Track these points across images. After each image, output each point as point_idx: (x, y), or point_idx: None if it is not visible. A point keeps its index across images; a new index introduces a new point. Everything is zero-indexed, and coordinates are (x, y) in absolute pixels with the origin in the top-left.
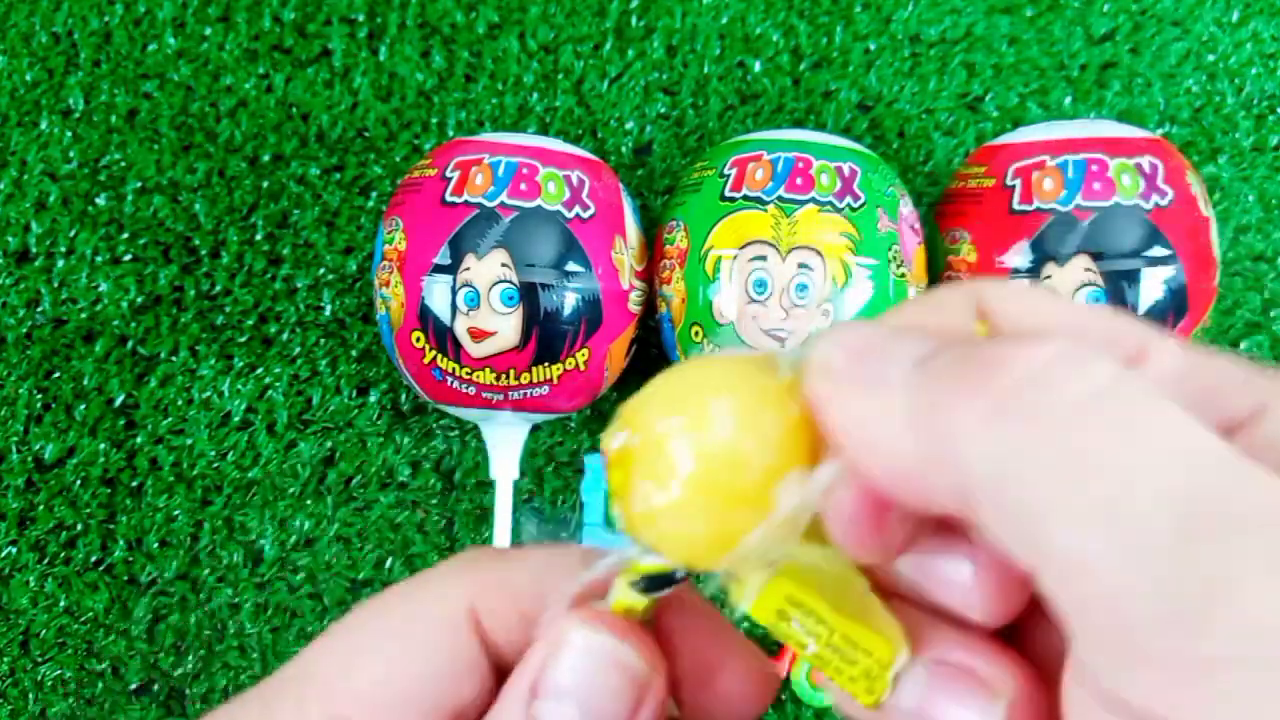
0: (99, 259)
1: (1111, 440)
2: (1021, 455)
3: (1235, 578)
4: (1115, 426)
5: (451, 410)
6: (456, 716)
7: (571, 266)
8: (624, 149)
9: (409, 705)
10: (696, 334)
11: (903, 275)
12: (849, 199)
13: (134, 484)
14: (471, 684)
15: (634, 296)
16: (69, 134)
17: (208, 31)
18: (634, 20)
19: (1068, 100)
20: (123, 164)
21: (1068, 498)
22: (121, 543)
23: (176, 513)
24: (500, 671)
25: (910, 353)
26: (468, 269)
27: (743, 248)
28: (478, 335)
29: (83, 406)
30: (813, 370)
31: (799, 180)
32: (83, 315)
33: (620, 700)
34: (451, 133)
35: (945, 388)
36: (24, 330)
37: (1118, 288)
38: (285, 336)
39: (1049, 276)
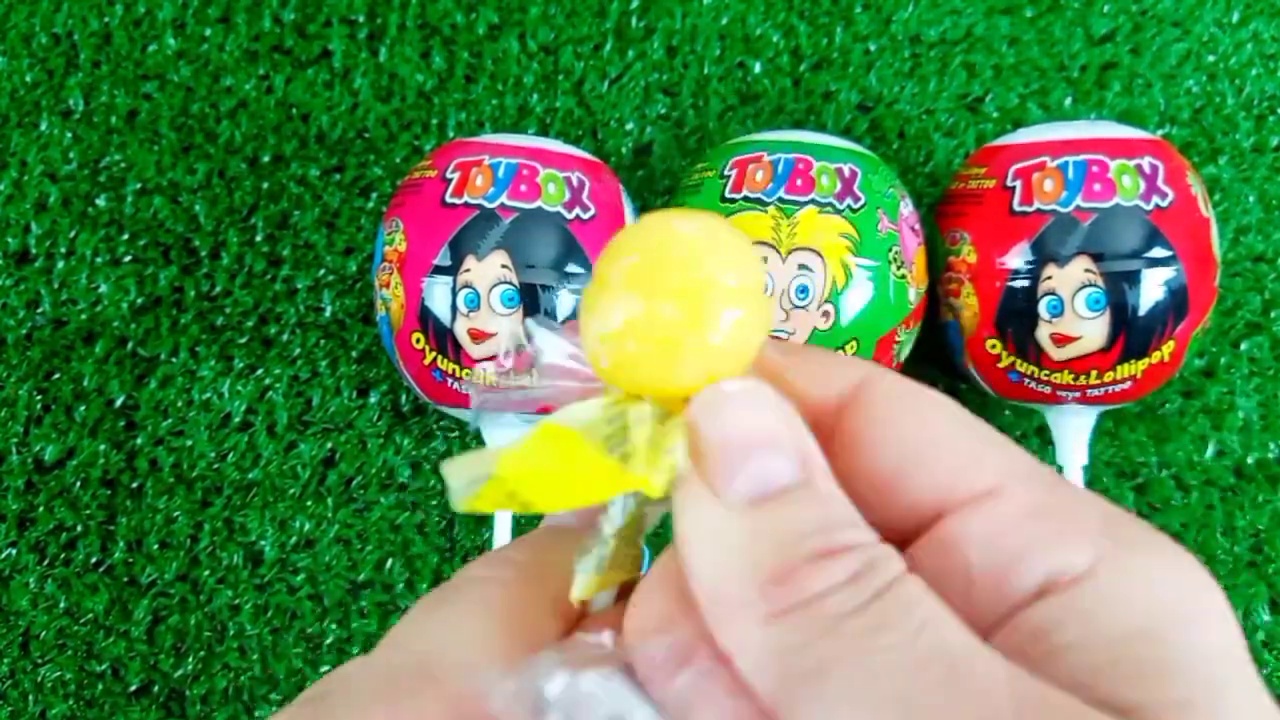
0: (99, 260)
1: (867, 646)
2: (783, 663)
3: None
4: (874, 633)
5: (452, 411)
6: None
7: (572, 268)
8: (624, 150)
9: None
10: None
11: (903, 276)
12: (849, 200)
13: (134, 485)
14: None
15: None
16: (69, 135)
17: (208, 32)
18: (634, 21)
19: (1068, 101)
20: (123, 165)
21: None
22: (121, 544)
23: (176, 514)
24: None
25: (751, 476)
26: (468, 270)
27: None
28: (478, 336)
29: (83, 408)
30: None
31: (799, 181)
32: (83, 316)
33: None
34: (451, 134)
35: (740, 565)
36: (24, 331)
37: (1118, 289)
38: (285, 338)
39: (1049, 277)
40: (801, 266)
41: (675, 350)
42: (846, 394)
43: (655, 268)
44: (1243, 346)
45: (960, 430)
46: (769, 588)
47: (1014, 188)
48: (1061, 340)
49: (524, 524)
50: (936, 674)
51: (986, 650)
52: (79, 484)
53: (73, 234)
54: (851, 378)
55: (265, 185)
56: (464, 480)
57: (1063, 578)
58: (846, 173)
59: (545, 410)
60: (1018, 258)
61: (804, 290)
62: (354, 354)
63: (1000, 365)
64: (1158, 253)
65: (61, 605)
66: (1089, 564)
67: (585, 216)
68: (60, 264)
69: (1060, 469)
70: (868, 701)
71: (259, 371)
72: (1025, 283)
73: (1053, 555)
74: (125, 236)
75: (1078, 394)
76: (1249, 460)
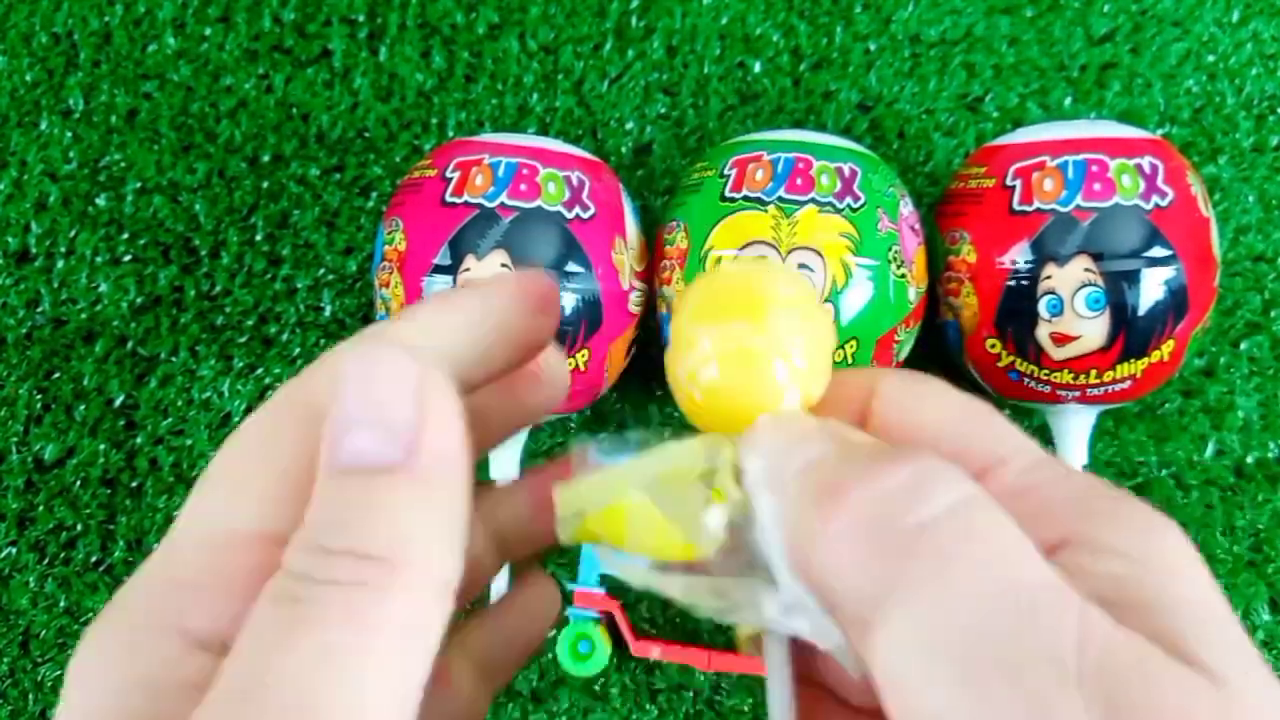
0: (99, 259)
1: (945, 570)
2: (865, 573)
3: (1048, 708)
4: (951, 555)
5: None
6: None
7: (571, 267)
8: (624, 149)
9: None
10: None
11: (903, 276)
12: (849, 199)
13: (134, 484)
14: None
15: (634, 297)
16: (69, 134)
17: (208, 32)
18: (634, 21)
19: (1068, 100)
20: (123, 164)
21: (899, 620)
22: (121, 543)
23: (176, 513)
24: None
25: (803, 456)
26: (468, 269)
27: (743, 248)
28: None
29: (82, 407)
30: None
31: (799, 181)
32: (82, 316)
33: (401, 399)
34: (451, 133)
35: (811, 502)
36: (24, 331)
37: (1118, 288)
38: (285, 337)
39: (1049, 276)
40: (801, 265)
41: (752, 361)
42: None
43: (717, 298)
44: (1242, 346)
45: (953, 416)
46: (826, 499)
47: (1014, 187)
48: (1061, 340)
49: None
50: (1009, 605)
51: (1057, 584)
52: (79, 483)
53: (73, 233)
54: (864, 385)
55: (265, 185)
56: (570, 512)
57: None
58: (846, 172)
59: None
60: (1017, 257)
61: None
62: None
63: (1000, 365)
64: (1157, 252)
65: (61, 604)
66: (1056, 541)
67: (585, 216)
68: (60, 263)
69: None
70: (940, 626)
71: (259, 371)
72: (1025, 282)
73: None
74: (125, 236)
75: (1077, 393)
76: (1249, 460)
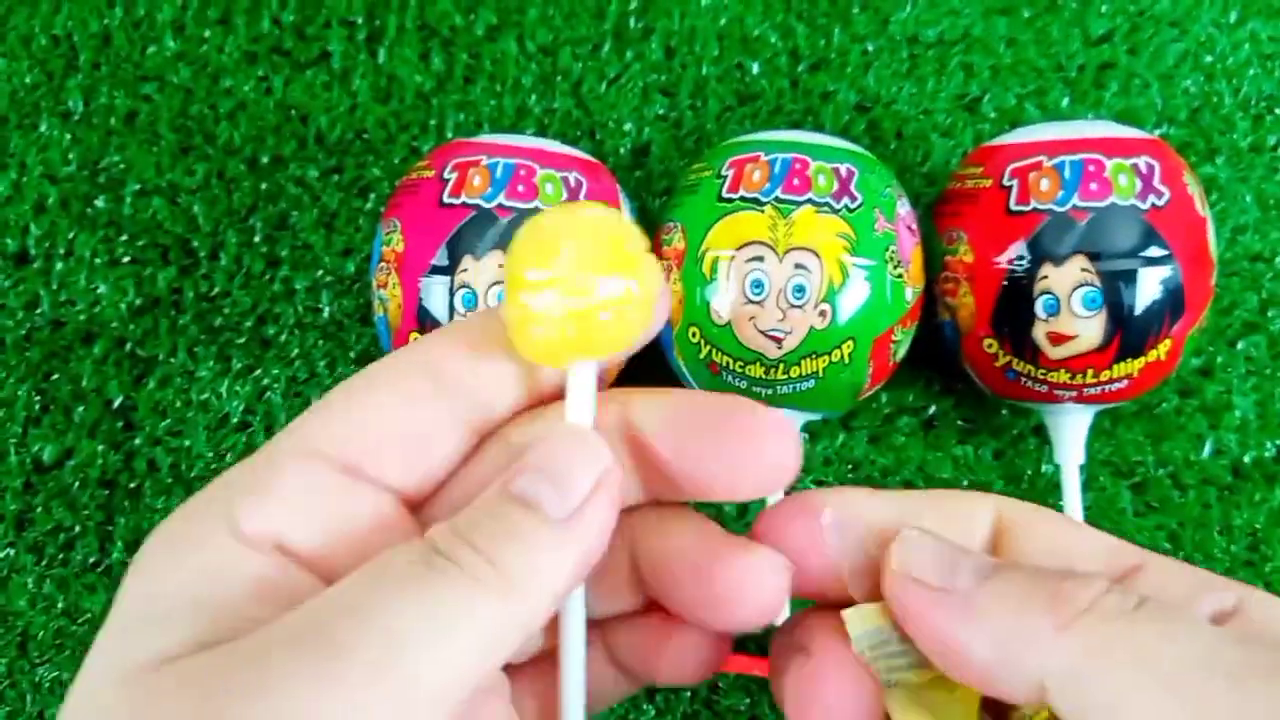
0: (98, 261)
1: (1158, 636)
2: (1092, 656)
3: None
4: (1157, 632)
5: None
6: (436, 460)
7: None
8: (622, 150)
9: (408, 448)
10: (694, 335)
11: (900, 276)
12: (846, 200)
13: (132, 486)
14: (457, 434)
15: None
16: (68, 136)
17: (207, 34)
18: (632, 22)
19: (1065, 101)
20: (122, 166)
21: (1139, 682)
22: (120, 544)
23: None
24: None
25: (972, 568)
26: (465, 270)
27: (740, 249)
28: None
29: (81, 408)
30: (895, 579)
31: (796, 181)
32: (81, 317)
33: (586, 476)
34: (450, 134)
35: (1019, 609)
36: (22, 332)
37: (1114, 288)
38: (283, 338)
39: (1046, 276)
40: (798, 266)
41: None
42: (991, 535)
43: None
44: (1240, 345)
45: (1095, 548)
46: (1049, 612)
47: (1010, 187)
48: (1058, 339)
49: None
50: (1221, 668)
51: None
52: (77, 484)
53: (71, 235)
54: (982, 518)
55: (264, 186)
56: (860, 630)
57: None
58: (843, 172)
59: None
60: (1014, 257)
61: (800, 290)
62: (352, 355)
63: (997, 364)
64: (1154, 252)
65: (59, 605)
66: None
67: None
68: (59, 265)
69: (1057, 467)
70: (1169, 685)
71: (257, 372)
72: (1022, 282)
73: None
74: (124, 237)
75: (1074, 393)
76: (1246, 459)
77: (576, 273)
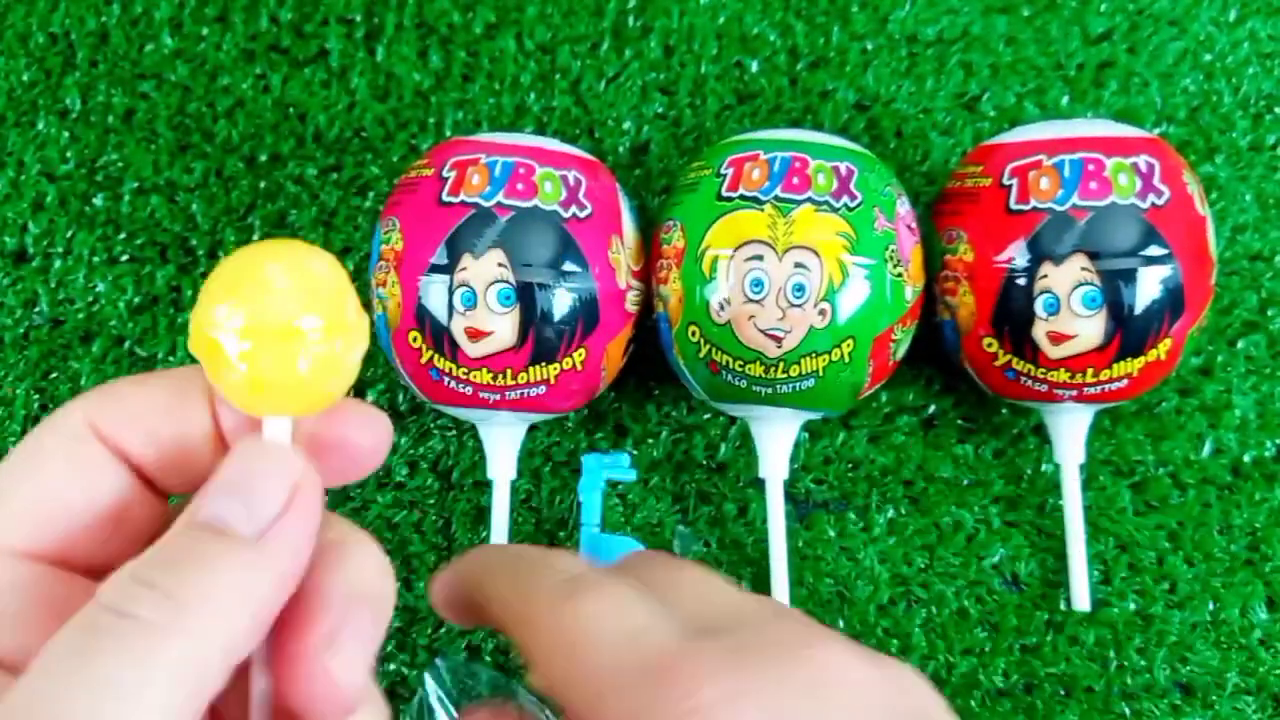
0: (96, 259)
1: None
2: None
3: None
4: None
5: (449, 410)
6: (110, 517)
7: (568, 266)
8: (621, 149)
9: (56, 514)
10: (693, 334)
11: (900, 274)
12: (845, 199)
13: None
14: (110, 487)
15: (631, 296)
16: (66, 134)
17: (205, 32)
18: (631, 20)
19: (1065, 100)
20: (120, 164)
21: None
22: None
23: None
24: (148, 481)
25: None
26: (464, 269)
27: (739, 247)
28: (474, 335)
29: None
30: None
31: (795, 180)
32: (80, 316)
33: (276, 489)
34: (448, 133)
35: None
36: (21, 331)
37: (1114, 287)
38: None
39: (1046, 275)
40: (798, 265)
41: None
42: None
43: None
44: (1239, 345)
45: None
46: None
47: (1010, 186)
48: (1058, 338)
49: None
50: None
51: None
52: None
53: (70, 233)
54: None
55: (262, 184)
56: None
57: None
58: (843, 171)
59: (541, 409)
60: (1014, 256)
61: (800, 288)
62: None
63: (997, 364)
64: (1154, 251)
65: None
66: None
67: (582, 215)
68: (57, 263)
69: (1057, 467)
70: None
71: None
72: (1022, 281)
73: None
74: (122, 236)
75: (1074, 392)
76: (1245, 458)
77: (267, 314)
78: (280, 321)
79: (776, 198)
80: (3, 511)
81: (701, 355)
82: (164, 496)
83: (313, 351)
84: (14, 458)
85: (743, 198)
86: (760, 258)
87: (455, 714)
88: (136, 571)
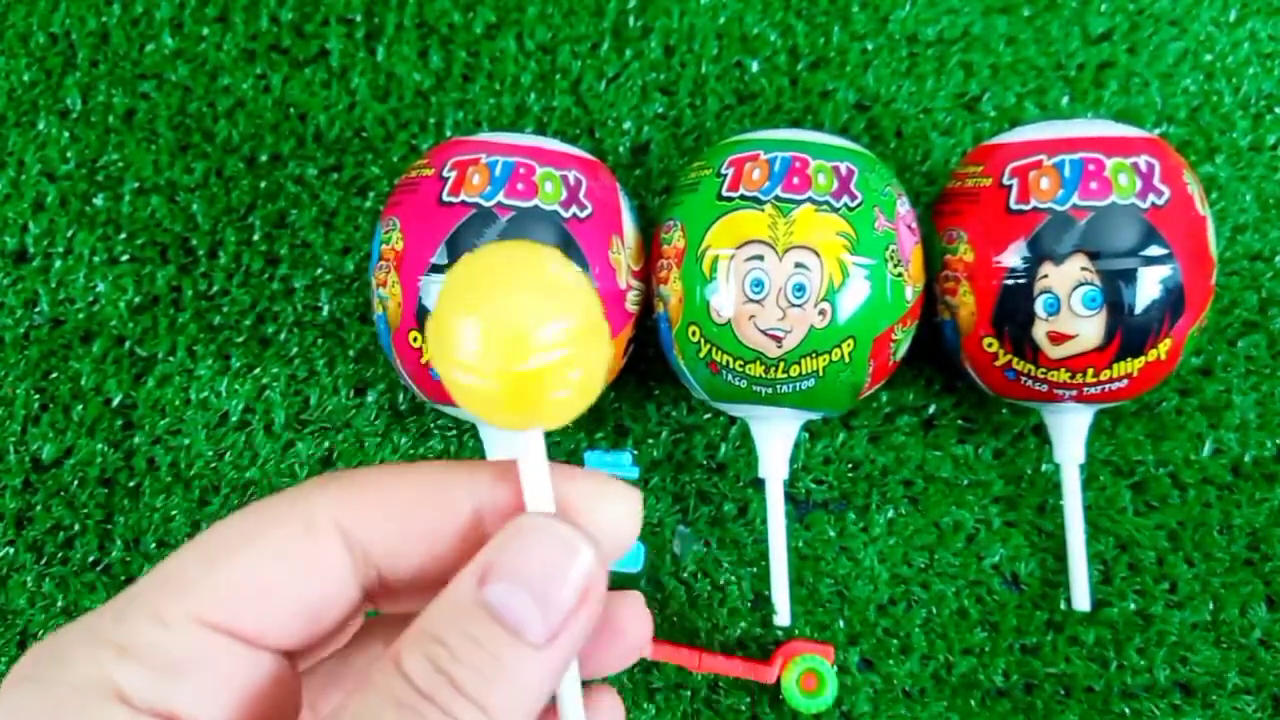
0: (96, 259)
1: None
2: None
3: None
4: None
5: (449, 410)
6: (323, 621)
7: None
8: (621, 149)
9: (271, 604)
10: (694, 334)
11: (900, 274)
12: (846, 199)
13: (131, 484)
14: (338, 590)
15: (631, 296)
16: (66, 134)
17: (205, 32)
18: (631, 20)
19: (1065, 100)
20: (120, 164)
21: None
22: (119, 543)
23: (174, 513)
24: (385, 586)
25: None
26: None
27: (739, 247)
28: None
29: (80, 407)
30: None
31: (796, 180)
32: (80, 316)
33: (571, 589)
34: (449, 133)
35: None
36: (21, 331)
37: (1114, 287)
38: (283, 337)
39: (1046, 275)
40: (798, 265)
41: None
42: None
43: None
44: (1240, 345)
45: None
46: None
47: (1010, 186)
48: (1058, 338)
49: None
50: None
51: None
52: (76, 483)
53: (70, 233)
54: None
55: (263, 184)
56: None
57: None
58: (843, 171)
59: None
60: (1014, 256)
61: (800, 288)
62: (351, 353)
63: (997, 364)
64: (1154, 251)
65: (59, 604)
66: None
67: (582, 215)
68: (58, 263)
69: (1057, 466)
70: None
71: (256, 370)
72: (1022, 281)
73: None
74: (123, 236)
75: (1074, 392)
76: (1246, 458)
77: (513, 317)
78: (550, 332)
79: (777, 198)
80: (215, 582)
81: (701, 355)
82: (366, 590)
83: (572, 354)
84: (241, 526)
85: (743, 198)
86: (761, 258)
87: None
88: (437, 659)
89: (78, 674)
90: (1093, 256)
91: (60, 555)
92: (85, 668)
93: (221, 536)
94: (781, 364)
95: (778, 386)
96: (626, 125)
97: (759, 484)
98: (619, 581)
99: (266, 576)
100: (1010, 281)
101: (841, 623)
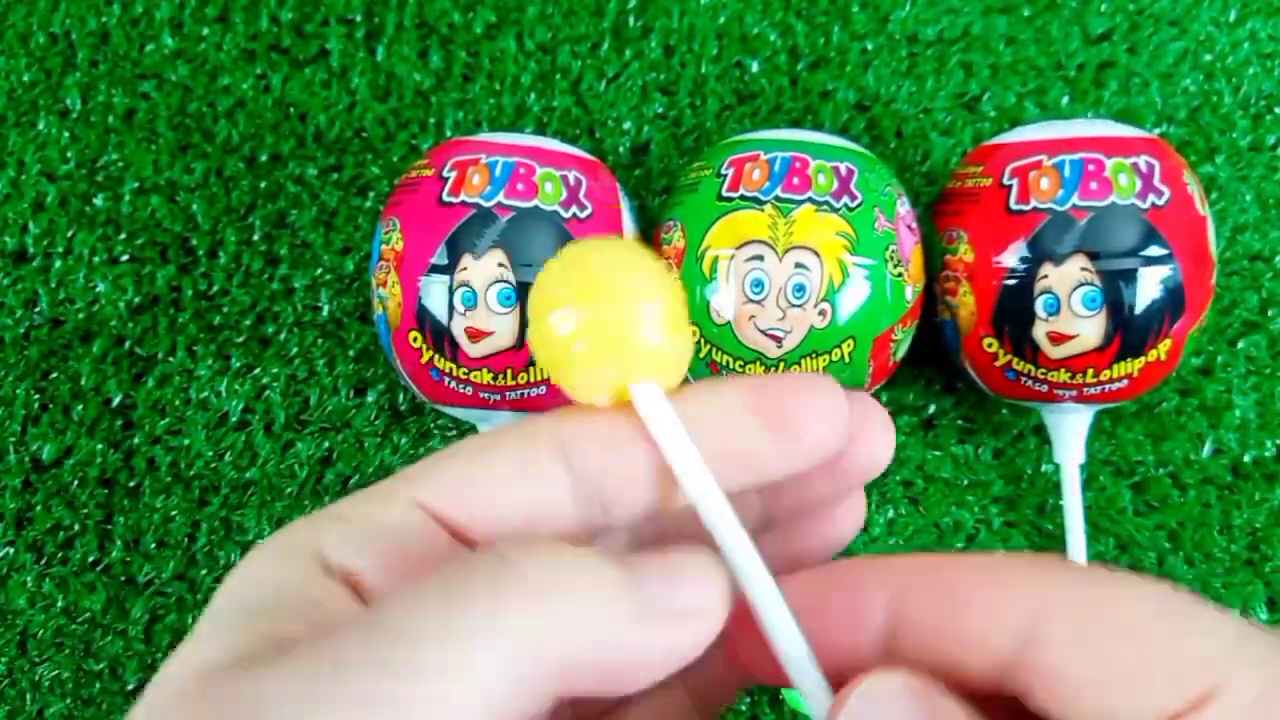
0: (96, 259)
1: None
2: None
3: None
4: None
5: (449, 410)
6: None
7: None
8: (621, 149)
9: (486, 502)
10: (693, 334)
11: (900, 275)
12: (846, 199)
13: (131, 484)
14: (553, 508)
15: None
16: (66, 134)
17: (205, 32)
18: (631, 20)
19: (1065, 100)
20: (120, 164)
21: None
22: (119, 543)
23: (174, 513)
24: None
25: None
26: (465, 269)
27: (739, 248)
28: (475, 335)
29: (80, 407)
30: None
31: (796, 180)
32: (80, 316)
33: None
34: (449, 133)
35: None
36: (21, 331)
37: (1114, 287)
38: (283, 337)
39: (1046, 275)
40: (798, 265)
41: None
42: (1013, 644)
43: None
44: (1240, 345)
45: (1157, 638)
46: None
47: (1010, 186)
48: (1058, 338)
49: None
50: None
51: None
52: (76, 483)
53: (70, 233)
54: (1014, 622)
55: (263, 184)
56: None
57: None
58: (843, 171)
59: (542, 409)
60: (1014, 256)
61: (800, 289)
62: (351, 353)
63: (997, 364)
64: (1154, 251)
65: (59, 604)
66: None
67: (582, 215)
68: (58, 263)
69: (1057, 467)
70: None
71: (256, 371)
72: (1022, 281)
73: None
74: (123, 236)
75: (1074, 392)
76: (1246, 458)
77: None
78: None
79: (777, 198)
80: (441, 474)
81: (702, 356)
82: (588, 523)
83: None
84: (478, 439)
85: (743, 198)
86: (760, 258)
87: None
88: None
89: (292, 538)
90: (1093, 257)
91: (60, 555)
92: (302, 534)
93: (463, 445)
94: (781, 364)
95: None
96: (626, 125)
97: None
98: None
99: (491, 479)
100: (1010, 282)
101: None
